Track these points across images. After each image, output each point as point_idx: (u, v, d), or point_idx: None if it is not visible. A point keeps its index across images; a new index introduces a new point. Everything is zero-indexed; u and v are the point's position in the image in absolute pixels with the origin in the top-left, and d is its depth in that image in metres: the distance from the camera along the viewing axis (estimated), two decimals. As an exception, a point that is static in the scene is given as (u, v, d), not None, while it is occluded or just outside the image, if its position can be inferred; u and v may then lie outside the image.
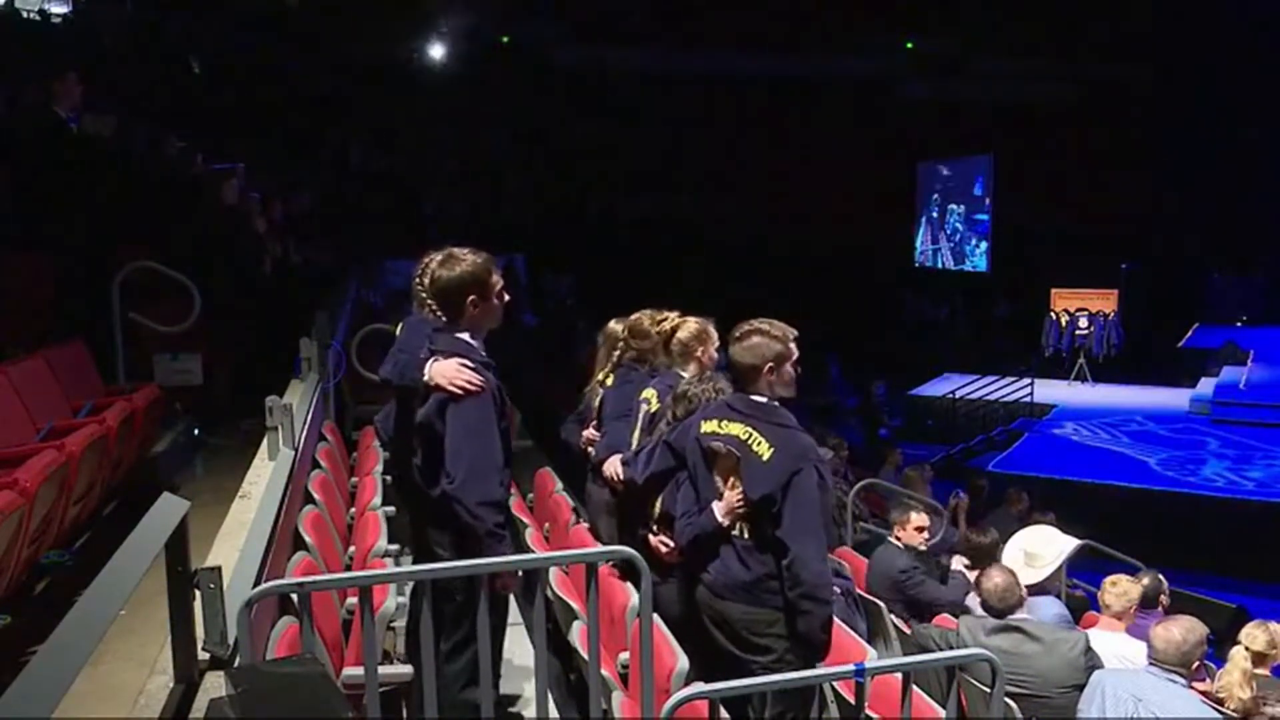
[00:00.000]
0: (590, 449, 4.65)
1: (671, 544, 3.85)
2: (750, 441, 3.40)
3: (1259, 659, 4.47)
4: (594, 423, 4.69)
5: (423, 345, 3.37)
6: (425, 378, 3.27)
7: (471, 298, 3.35)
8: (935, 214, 23.80)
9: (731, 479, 3.46)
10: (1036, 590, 4.95)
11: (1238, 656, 4.41)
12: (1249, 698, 4.24)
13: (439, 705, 2.89)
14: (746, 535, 3.44)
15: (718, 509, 3.47)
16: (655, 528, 4.00)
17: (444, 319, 3.38)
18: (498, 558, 3.14)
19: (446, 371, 3.23)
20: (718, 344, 4.19)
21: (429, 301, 3.39)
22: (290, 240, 9.74)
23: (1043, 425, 15.94)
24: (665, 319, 4.50)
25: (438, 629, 2.99)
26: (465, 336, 3.36)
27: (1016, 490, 9.57)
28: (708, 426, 3.54)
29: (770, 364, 3.45)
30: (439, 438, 3.26)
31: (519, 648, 4.10)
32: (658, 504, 3.99)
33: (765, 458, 3.35)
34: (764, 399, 3.47)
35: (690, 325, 4.34)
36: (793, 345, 3.51)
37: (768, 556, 3.39)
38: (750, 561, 3.43)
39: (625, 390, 4.53)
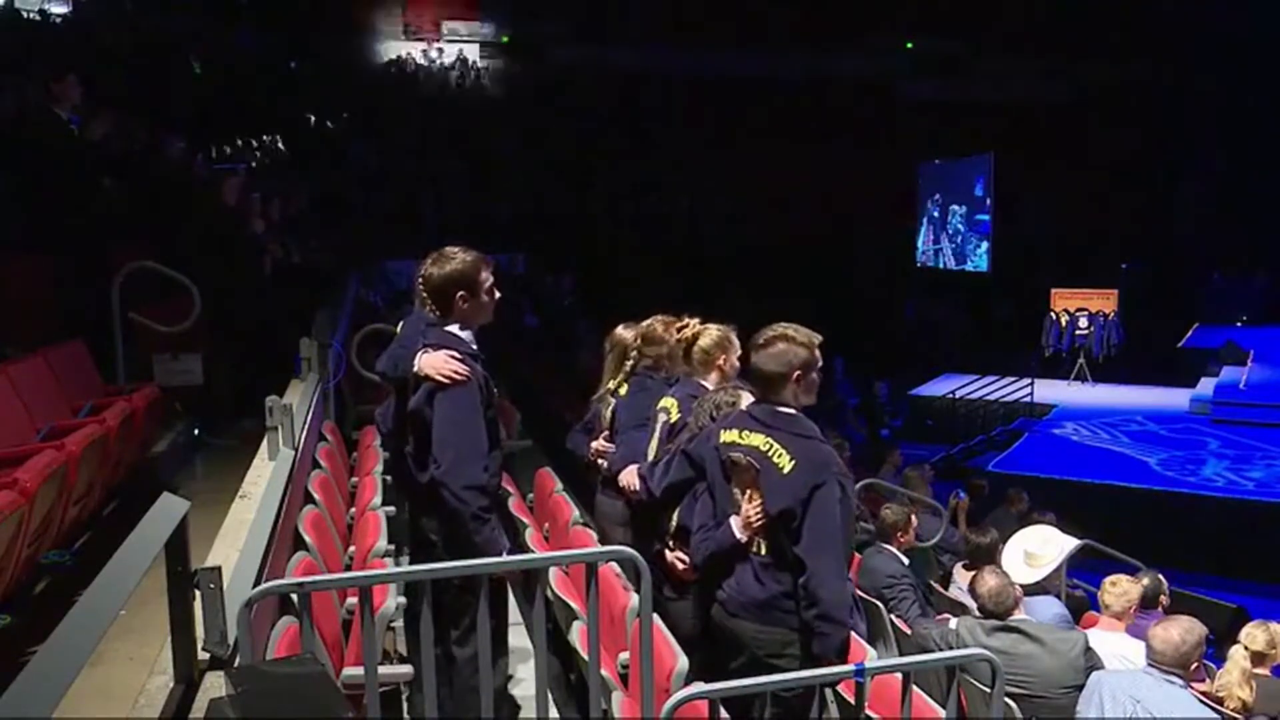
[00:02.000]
0: (600, 461, 4.47)
1: (688, 560, 3.71)
2: (770, 453, 3.26)
3: (1258, 659, 4.47)
4: (604, 433, 4.51)
5: (418, 339, 3.49)
6: (415, 368, 3.39)
7: (461, 294, 3.47)
8: (936, 214, 23.79)
9: (750, 492, 3.32)
10: (1036, 590, 4.96)
11: (1237, 656, 4.41)
12: (1248, 697, 4.24)
13: (452, 692, 2.91)
14: (765, 551, 3.30)
15: (735, 524, 3.34)
16: (671, 543, 3.86)
17: (438, 314, 3.51)
18: (493, 550, 3.24)
19: (434, 362, 3.36)
20: (739, 351, 4.02)
21: (426, 298, 3.51)
22: (291, 240, 9.73)
23: (1043, 425, 15.93)
24: (684, 325, 4.28)
25: (440, 620, 3.02)
26: (455, 330, 3.48)
27: (1017, 490, 9.57)
28: (727, 436, 3.40)
29: (797, 372, 3.30)
30: (427, 426, 3.36)
31: (519, 648, 4.10)
32: (674, 517, 3.85)
33: (785, 470, 3.21)
34: (787, 409, 3.31)
35: (712, 333, 4.13)
36: (818, 352, 3.35)
37: (785, 575, 3.25)
38: (766, 579, 3.29)
39: (640, 399, 4.37)
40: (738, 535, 3.33)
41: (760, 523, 3.29)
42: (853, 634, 4.14)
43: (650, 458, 4.04)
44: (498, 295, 3.59)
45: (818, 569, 3.16)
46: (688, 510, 3.73)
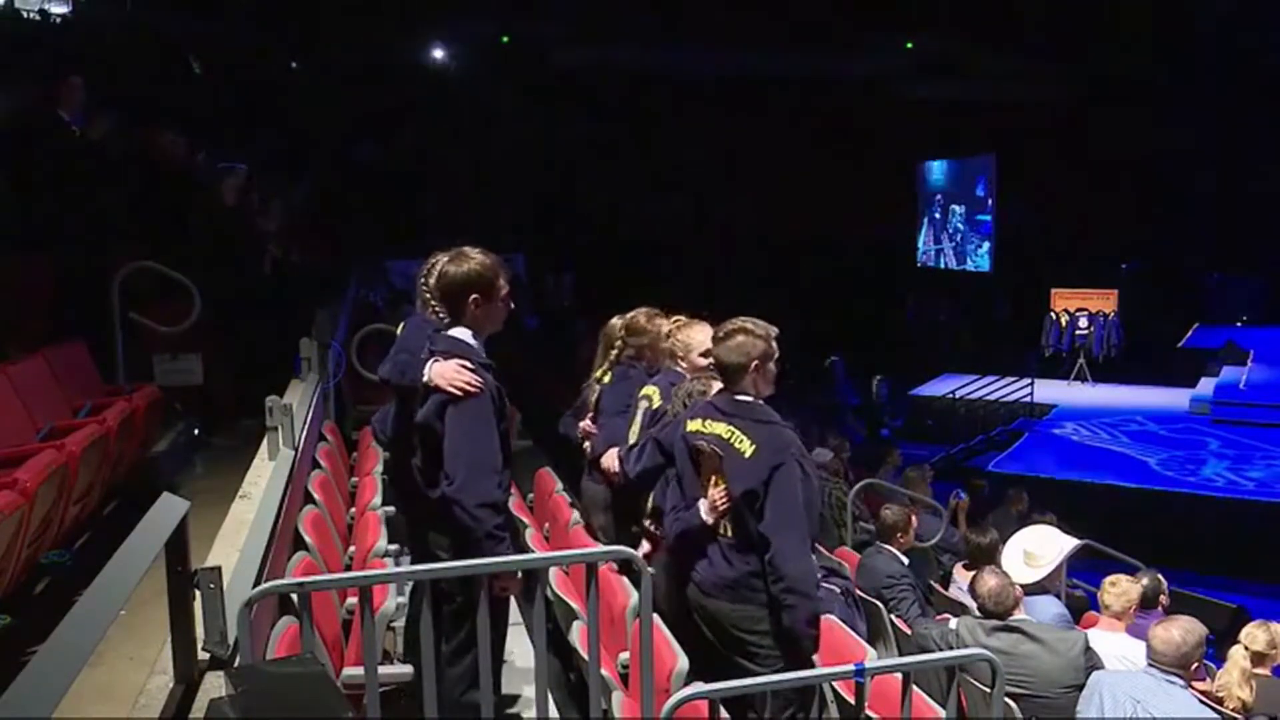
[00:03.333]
0: (587, 443, 4.70)
1: (656, 538, 3.93)
2: (733, 440, 3.43)
3: (1259, 659, 4.46)
4: (590, 415, 4.73)
5: (424, 345, 3.38)
6: (425, 378, 3.26)
7: (474, 296, 3.34)
8: (937, 214, 23.80)
9: (715, 478, 3.49)
10: (1036, 590, 4.96)
11: (1237, 656, 4.41)
12: (1248, 697, 4.24)
13: (441, 708, 2.89)
14: (730, 533, 3.47)
15: (703, 506, 3.51)
16: (648, 522, 4.07)
17: (446, 318, 3.39)
18: (497, 558, 3.13)
19: (446, 373, 3.23)
20: (702, 348, 4.15)
21: (432, 301, 3.41)
22: (291, 240, 9.74)
23: (1043, 425, 15.93)
24: (660, 320, 4.59)
25: (438, 631, 2.99)
26: (466, 337, 3.35)
27: (1017, 491, 9.58)
28: (692, 425, 3.58)
29: (755, 362, 3.48)
30: (438, 439, 3.25)
31: (519, 648, 4.10)
32: (649, 499, 4.06)
33: (747, 454, 3.39)
34: (748, 397, 3.50)
35: (676, 337, 4.38)
36: (774, 343, 3.54)
37: (751, 555, 3.42)
38: (734, 560, 3.45)
39: (623, 387, 4.59)
40: (705, 518, 3.49)
41: (725, 506, 3.45)
42: (853, 634, 4.18)
43: (630, 442, 4.21)
44: (512, 305, 3.47)
45: (782, 546, 3.32)
46: (661, 493, 3.91)
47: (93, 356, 6.05)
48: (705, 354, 4.08)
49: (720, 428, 3.48)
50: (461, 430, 3.22)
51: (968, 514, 8.58)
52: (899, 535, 5.56)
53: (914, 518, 5.78)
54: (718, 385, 3.75)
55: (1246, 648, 4.45)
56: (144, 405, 5.56)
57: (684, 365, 4.28)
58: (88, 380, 5.87)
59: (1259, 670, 4.43)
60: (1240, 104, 20.91)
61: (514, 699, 3.94)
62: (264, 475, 4.50)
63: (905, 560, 5.50)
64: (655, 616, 3.22)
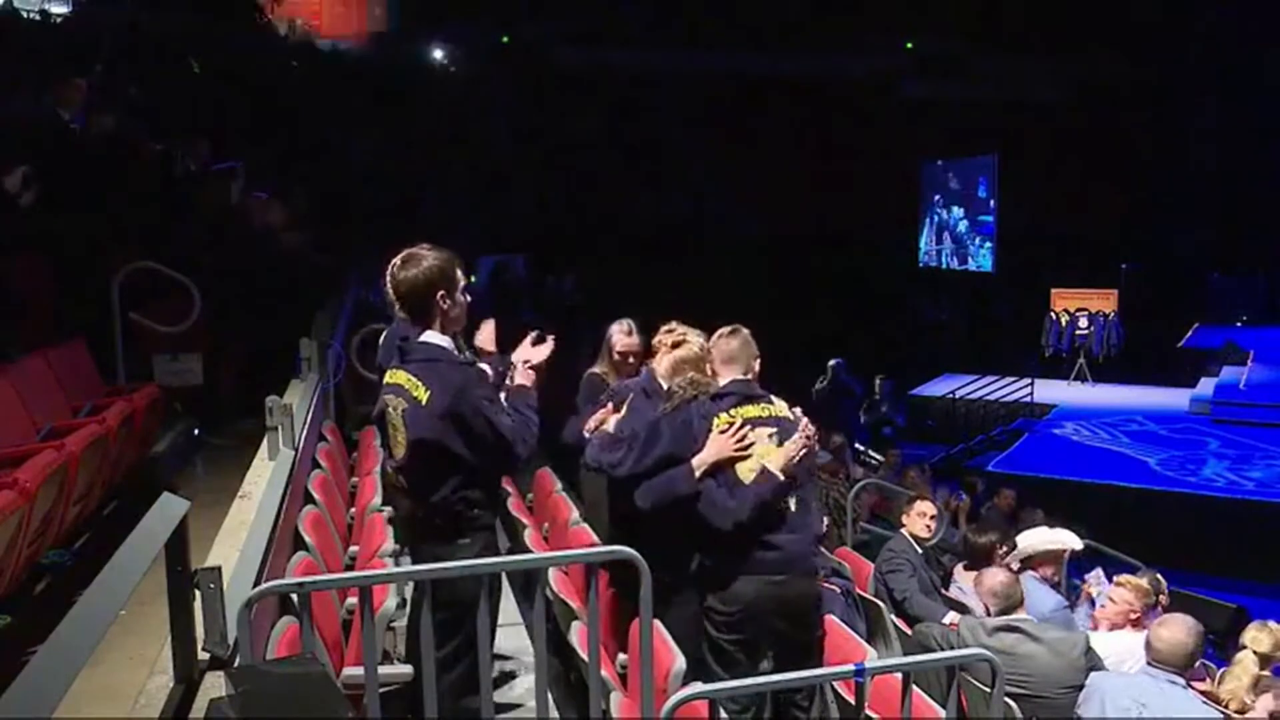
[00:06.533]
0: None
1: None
2: (781, 413, 3.66)
3: (1264, 660, 4.46)
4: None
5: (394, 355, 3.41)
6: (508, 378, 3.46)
7: (440, 293, 3.29)
8: (939, 215, 23.79)
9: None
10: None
11: (1246, 661, 4.39)
12: (1252, 701, 4.23)
13: (439, 714, 2.89)
14: (795, 505, 3.55)
15: (779, 466, 3.50)
16: None
17: (411, 321, 3.33)
18: (504, 558, 3.30)
19: (538, 354, 3.58)
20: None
21: (403, 306, 3.33)
22: (296, 239, 9.73)
23: (1043, 425, 15.93)
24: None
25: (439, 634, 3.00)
26: (442, 342, 3.31)
27: (1005, 489, 9.65)
28: (722, 420, 3.63)
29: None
30: (442, 448, 3.22)
31: (519, 648, 4.10)
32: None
33: (792, 418, 3.64)
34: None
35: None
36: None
37: (813, 518, 3.61)
38: (807, 525, 3.58)
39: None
40: (781, 477, 3.51)
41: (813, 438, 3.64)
42: (853, 634, 4.17)
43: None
44: (469, 298, 3.44)
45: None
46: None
47: (93, 356, 6.05)
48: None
49: (769, 408, 3.66)
50: (483, 414, 3.25)
51: (968, 514, 8.59)
52: (904, 516, 5.77)
53: (918, 502, 5.89)
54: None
55: (1254, 652, 4.44)
56: (144, 405, 5.55)
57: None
58: (88, 380, 5.87)
59: (1263, 672, 4.43)
60: (1240, 103, 20.92)
61: (513, 698, 3.93)
62: (264, 475, 4.50)
63: (919, 549, 5.56)
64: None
